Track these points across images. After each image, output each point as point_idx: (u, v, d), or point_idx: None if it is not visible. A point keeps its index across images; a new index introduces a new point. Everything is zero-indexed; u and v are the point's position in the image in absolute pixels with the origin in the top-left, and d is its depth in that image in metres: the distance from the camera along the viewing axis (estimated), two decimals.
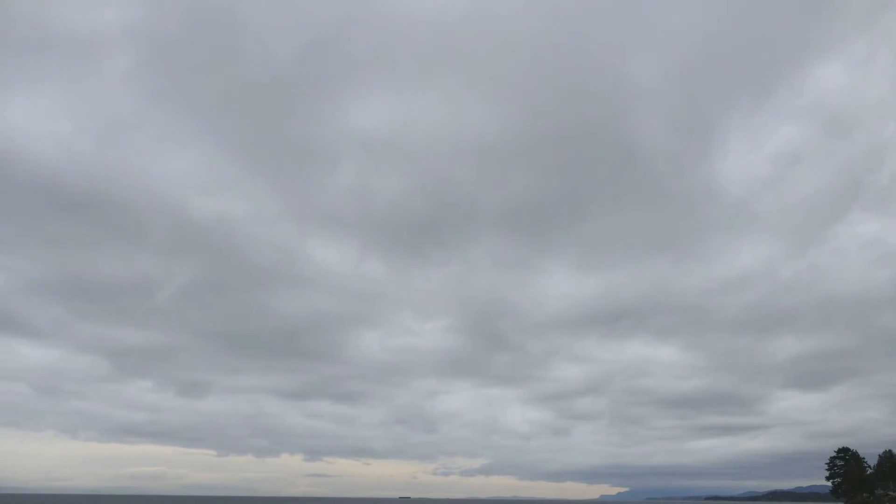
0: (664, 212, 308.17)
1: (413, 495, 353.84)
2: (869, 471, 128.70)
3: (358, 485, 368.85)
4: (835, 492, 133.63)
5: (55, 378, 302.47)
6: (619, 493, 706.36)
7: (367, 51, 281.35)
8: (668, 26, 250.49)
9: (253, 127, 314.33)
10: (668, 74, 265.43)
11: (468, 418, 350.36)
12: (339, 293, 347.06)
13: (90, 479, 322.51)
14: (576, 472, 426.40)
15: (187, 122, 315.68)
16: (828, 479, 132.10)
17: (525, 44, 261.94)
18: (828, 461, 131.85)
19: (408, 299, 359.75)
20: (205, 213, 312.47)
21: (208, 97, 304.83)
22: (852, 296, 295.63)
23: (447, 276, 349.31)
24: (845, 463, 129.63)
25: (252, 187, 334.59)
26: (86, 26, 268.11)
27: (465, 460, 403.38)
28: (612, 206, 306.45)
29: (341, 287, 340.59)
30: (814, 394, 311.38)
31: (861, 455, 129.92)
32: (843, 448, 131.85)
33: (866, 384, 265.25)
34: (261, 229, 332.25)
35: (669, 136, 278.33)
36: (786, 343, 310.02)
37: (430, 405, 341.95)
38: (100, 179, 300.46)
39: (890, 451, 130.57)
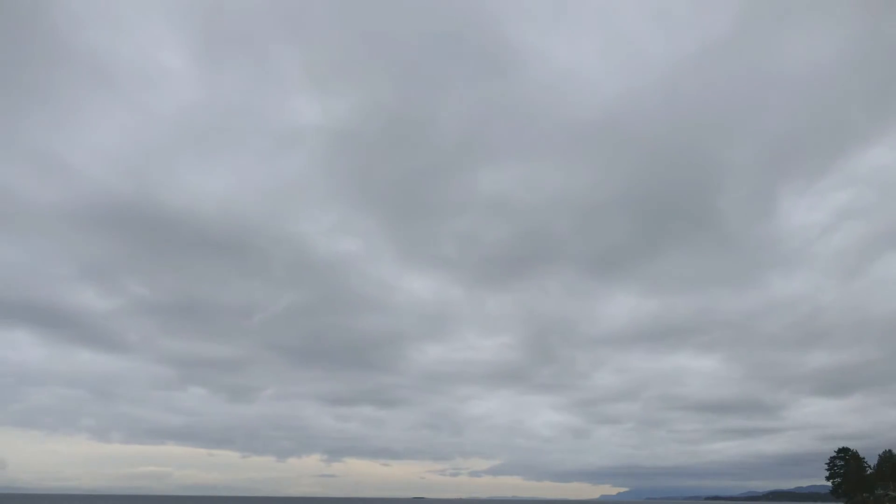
0: (727, 254, 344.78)
1: (425, 495, 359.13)
2: (869, 471, 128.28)
3: (365, 484, 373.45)
4: (835, 492, 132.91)
5: (115, 385, 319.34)
6: (619, 493, 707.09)
7: (510, 135, 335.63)
8: (761, 118, 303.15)
9: (389, 186, 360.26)
10: (757, 155, 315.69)
11: (494, 422, 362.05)
12: (416, 316, 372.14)
13: (94, 480, 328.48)
14: (583, 473, 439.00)
15: (330, 183, 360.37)
16: (828, 479, 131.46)
17: (637, 128, 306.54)
18: (828, 461, 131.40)
19: (477, 320, 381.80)
20: (325, 251, 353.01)
21: (354, 172, 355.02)
22: (884, 316, 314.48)
23: (518, 301, 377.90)
24: (845, 463, 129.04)
25: (374, 232, 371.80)
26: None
27: (481, 461, 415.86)
28: (680, 249, 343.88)
29: (420, 311, 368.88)
30: (835, 400, 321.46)
31: (861, 455, 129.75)
32: (843, 448, 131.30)
33: (886, 391, 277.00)
34: (369, 266, 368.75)
35: (743, 199, 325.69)
36: (817, 356, 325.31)
37: (462, 409, 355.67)
38: (247, 228, 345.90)
39: (890, 451, 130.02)
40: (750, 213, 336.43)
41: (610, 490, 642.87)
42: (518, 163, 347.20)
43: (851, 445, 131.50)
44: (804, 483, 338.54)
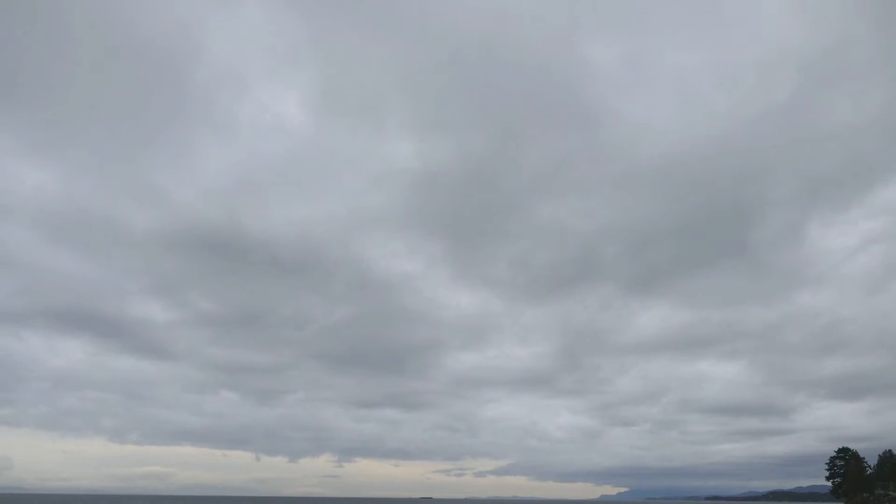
0: (757, 277, 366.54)
1: (430, 495, 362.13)
2: (869, 471, 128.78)
3: (370, 485, 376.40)
4: (835, 492, 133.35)
5: (147, 388, 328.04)
6: (619, 494, 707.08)
7: (576, 175, 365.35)
8: (801, 161, 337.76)
9: (458, 218, 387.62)
10: (793, 193, 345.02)
11: (509, 424, 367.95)
12: (457, 327, 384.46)
13: (95, 480, 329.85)
14: (588, 473, 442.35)
15: (404, 215, 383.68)
16: (828, 479, 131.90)
17: (691, 171, 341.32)
18: (828, 461, 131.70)
19: (514, 331, 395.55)
20: (385, 272, 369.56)
21: (429, 207, 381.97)
22: None
23: (555, 314, 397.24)
24: (845, 463, 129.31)
25: (435, 256, 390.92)
26: None
27: (489, 461, 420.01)
28: (714, 271, 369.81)
29: (462, 323, 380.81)
30: (846, 403, 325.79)
31: (861, 455, 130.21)
32: (843, 448, 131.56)
33: None
34: (423, 284, 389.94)
35: (777, 231, 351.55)
36: (834, 363, 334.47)
37: (480, 412, 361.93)
38: (318, 252, 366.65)
39: (890, 451, 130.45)
40: (782, 242, 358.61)
41: (610, 490, 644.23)
42: (578, 197, 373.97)
43: (859, 446, 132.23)
44: (804, 483, 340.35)
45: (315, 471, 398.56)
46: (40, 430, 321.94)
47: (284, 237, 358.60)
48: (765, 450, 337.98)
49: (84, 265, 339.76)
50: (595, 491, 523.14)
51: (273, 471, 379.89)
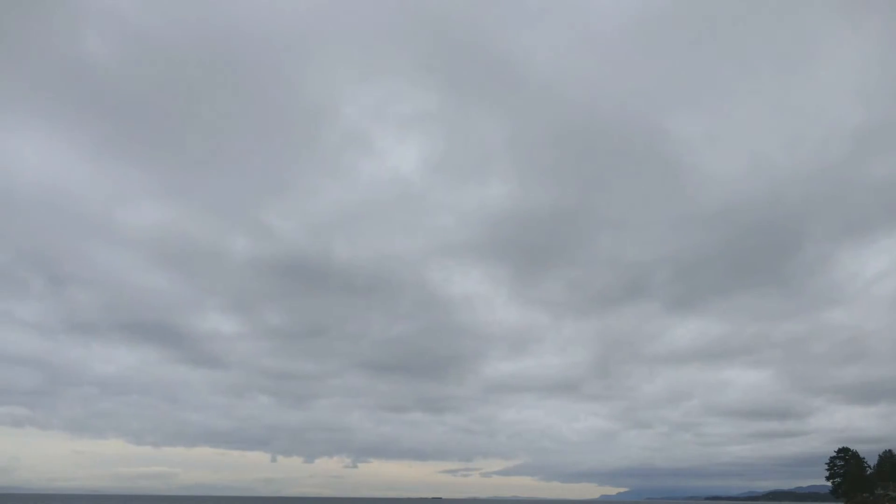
0: (789, 297, 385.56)
1: (438, 495, 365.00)
2: (869, 471, 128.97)
3: (374, 484, 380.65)
4: (835, 492, 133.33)
5: (183, 392, 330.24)
6: (619, 493, 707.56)
7: (642, 214, 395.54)
8: (844, 206, 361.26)
9: (527, 249, 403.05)
10: (831, 227, 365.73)
11: (526, 426, 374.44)
12: (501, 338, 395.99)
13: (96, 481, 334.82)
14: (593, 474, 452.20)
15: (478, 246, 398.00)
16: (828, 479, 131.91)
17: (747, 215, 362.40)
18: (828, 461, 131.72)
19: (555, 342, 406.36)
20: (450, 293, 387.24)
21: (503, 239, 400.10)
22: None
23: (596, 328, 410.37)
24: (845, 463, 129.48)
25: (498, 280, 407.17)
26: None
27: (500, 462, 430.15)
28: (751, 291, 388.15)
29: (506, 335, 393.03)
30: (861, 407, 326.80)
31: (861, 455, 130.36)
32: (843, 448, 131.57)
33: None
34: (482, 303, 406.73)
35: (811, 258, 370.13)
36: (855, 370, 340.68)
37: (502, 415, 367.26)
38: (391, 275, 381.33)
39: (890, 451, 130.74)
40: (814, 269, 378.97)
41: (609, 490, 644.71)
42: (639, 232, 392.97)
43: (867, 448, 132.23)
44: (804, 483, 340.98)
45: (325, 471, 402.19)
46: (63, 431, 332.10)
47: (365, 265, 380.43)
48: (775, 451, 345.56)
49: (174, 285, 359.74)
50: (595, 491, 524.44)
51: (284, 471, 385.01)
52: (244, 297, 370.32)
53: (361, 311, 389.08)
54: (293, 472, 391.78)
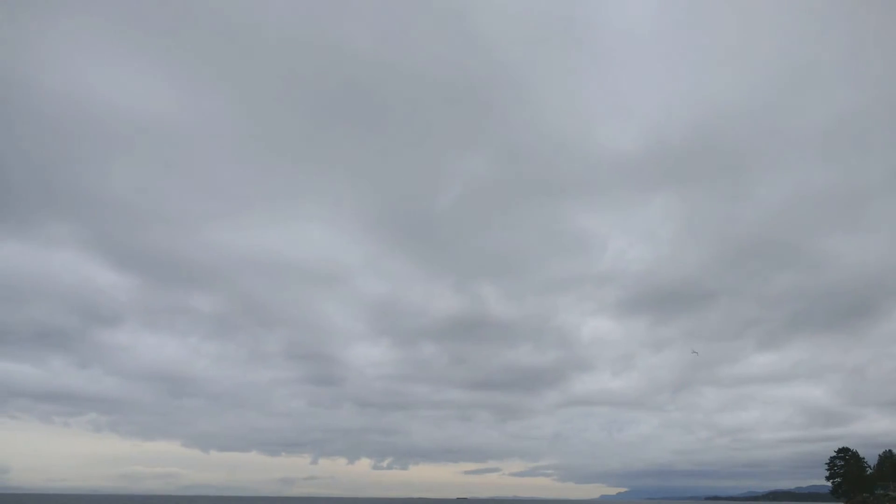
0: (856, 339, 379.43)
1: (461, 495, 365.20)
2: (869, 471, 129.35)
3: (386, 485, 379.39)
4: (835, 492, 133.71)
5: (252, 394, 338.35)
6: (619, 493, 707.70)
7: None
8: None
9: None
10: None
11: (559, 428, 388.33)
12: (596, 356, 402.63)
13: (98, 481, 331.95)
14: (606, 475, 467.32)
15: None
16: (828, 479, 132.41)
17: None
18: (828, 461, 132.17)
19: (643, 360, 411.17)
20: (567, 321, 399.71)
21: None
22: None
23: (683, 350, 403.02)
24: (845, 463, 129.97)
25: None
26: None
27: (522, 463, 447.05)
28: (837, 332, 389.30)
29: (602, 353, 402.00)
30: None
31: (861, 455, 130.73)
32: (843, 448, 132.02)
33: None
34: (589, 330, 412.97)
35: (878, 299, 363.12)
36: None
37: (550, 423, 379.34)
38: (524, 320, 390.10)
39: (890, 451, 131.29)
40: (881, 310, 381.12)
41: (608, 490, 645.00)
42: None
43: (869, 449, 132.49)
44: (804, 483, 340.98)
45: (358, 472, 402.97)
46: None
47: (503, 315, 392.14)
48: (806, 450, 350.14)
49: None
50: (596, 491, 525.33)
51: (316, 471, 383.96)
52: (399, 334, 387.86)
53: (499, 349, 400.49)
54: (321, 472, 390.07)
